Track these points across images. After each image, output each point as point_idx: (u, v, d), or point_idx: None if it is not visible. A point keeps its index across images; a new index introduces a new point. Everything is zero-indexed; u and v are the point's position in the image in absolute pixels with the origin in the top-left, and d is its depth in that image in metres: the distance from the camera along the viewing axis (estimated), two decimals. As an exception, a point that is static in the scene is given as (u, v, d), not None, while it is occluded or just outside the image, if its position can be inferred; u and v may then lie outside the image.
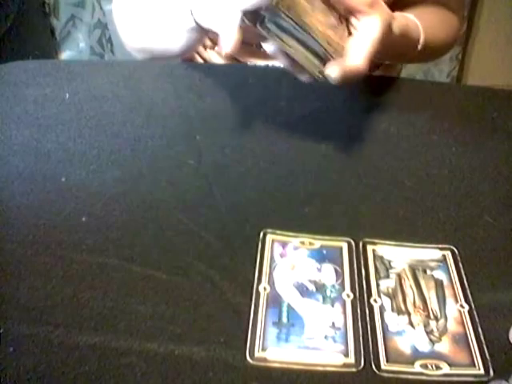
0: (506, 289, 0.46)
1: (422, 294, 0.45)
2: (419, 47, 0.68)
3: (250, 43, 0.54)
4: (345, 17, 0.54)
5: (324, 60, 0.53)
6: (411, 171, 0.59)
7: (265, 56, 0.67)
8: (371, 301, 0.44)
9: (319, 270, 0.47)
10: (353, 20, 0.54)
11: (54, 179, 0.54)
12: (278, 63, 0.56)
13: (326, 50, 0.52)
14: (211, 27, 0.55)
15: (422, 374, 0.40)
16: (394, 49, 0.63)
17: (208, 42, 0.80)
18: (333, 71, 0.52)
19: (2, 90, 0.66)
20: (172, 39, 0.66)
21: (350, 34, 0.55)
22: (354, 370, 0.40)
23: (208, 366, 0.39)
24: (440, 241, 0.50)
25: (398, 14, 0.64)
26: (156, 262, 0.47)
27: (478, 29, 1.83)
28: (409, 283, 0.46)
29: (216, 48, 0.79)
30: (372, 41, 0.53)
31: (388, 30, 0.56)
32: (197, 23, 0.58)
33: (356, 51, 0.53)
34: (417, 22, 0.67)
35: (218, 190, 0.54)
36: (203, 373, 0.39)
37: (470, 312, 0.44)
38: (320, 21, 0.51)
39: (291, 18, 0.49)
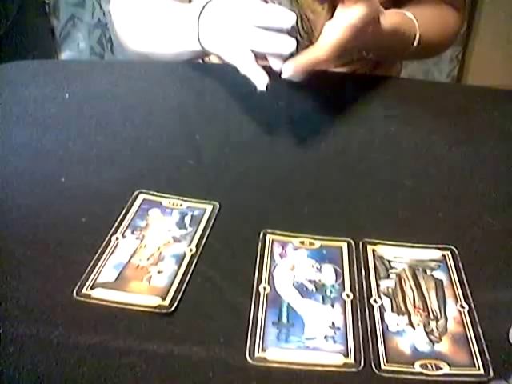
0: (505, 289, 0.46)
1: (422, 294, 0.45)
2: (415, 44, 0.68)
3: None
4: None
5: None
6: (411, 171, 0.59)
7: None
8: (371, 301, 0.44)
9: (319, 270, 0.47)
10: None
11: (53, 179, 0.54)
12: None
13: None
14: (228, 60, 0.56)
15: (421, 374, 0.39)
16: (383, 43, 0.64)
17: None
18: (287, 69, 0.53)
19: (1, 90, 0.66)
20: (174, 54, 0.67)
21: None
22: (354, 369, 0.40)
23: (208, 366, 0.39)
24: (440, 241, 0.50)
25: (391, 11, 0.64)
26: (156, 262, 0.47)
27: (478, 29, 1.83)
28: (409, 283, 0.46)
29: None
30: (344, 28, 0.53)
31: (371, 23, 0.56)
32: (204, 48, 0.59)
33: (325, 37, 0.53)
34: (413, 19, 0.67)
35: (218, 190, 0.54)
36: (203, 373, 0.39)
37: (470, 312, 0.44)
38: None
39: None
